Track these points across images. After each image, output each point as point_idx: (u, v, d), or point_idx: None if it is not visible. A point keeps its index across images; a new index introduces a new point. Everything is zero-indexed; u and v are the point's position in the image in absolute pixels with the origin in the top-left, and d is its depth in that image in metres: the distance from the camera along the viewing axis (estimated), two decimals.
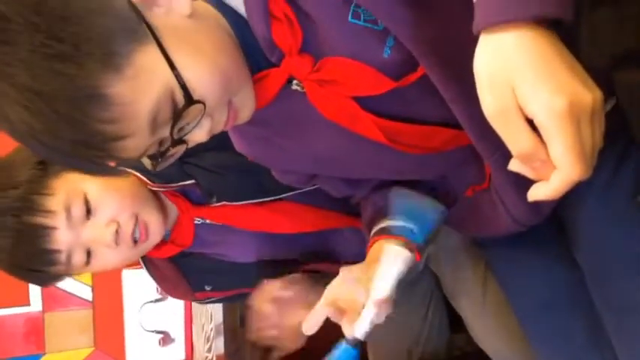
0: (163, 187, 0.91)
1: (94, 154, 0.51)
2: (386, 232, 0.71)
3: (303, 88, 0.61)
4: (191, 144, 0.57)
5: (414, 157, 0.65)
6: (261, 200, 0.91)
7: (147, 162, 0.57)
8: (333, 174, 0.77)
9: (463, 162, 0.69)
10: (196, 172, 0.89)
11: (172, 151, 0.56)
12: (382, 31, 0.55)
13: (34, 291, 1.73)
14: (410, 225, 0.73)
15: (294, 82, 0.61)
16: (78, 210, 0.82)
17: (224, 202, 0.92)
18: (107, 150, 0.50)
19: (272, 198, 0.91)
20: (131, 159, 0.53)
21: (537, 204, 0.67)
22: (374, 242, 0.72)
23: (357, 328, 0.62)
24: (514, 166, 0.46)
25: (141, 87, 0.50)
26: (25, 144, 0.51)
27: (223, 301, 1.08)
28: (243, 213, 0.92)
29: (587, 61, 0.44)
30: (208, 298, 1.03)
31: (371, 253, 0.71)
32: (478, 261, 0.96)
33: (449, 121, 0.59)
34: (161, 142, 0.55)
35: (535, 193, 0.45)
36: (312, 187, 0.83)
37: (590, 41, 0.46)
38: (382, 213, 0.75)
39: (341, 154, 0.68)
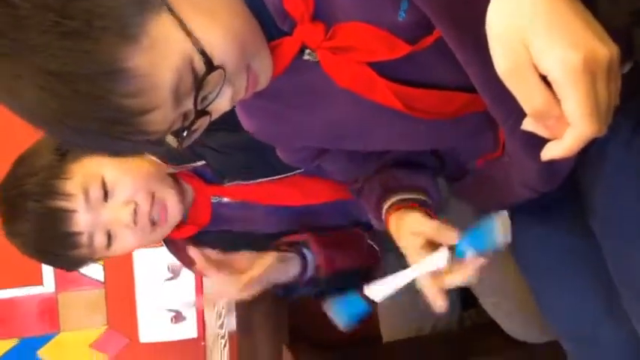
0: (176, 168, 0.92)
1: (123, 131, 0.50)
2: (405, 202, 0.71)
3: (315, 57, 0.60)
4: (215, 114, 0.57)
5: (429, 124, 0.64)
6: (271, 178, 0.92)
7: (172, 140, 0.56)
8: (343, 147, 0.76)
9: (477, 129, 0.68)
10: (206, 152, 0.91)
11: (197, 124, 0.55)
12: None
13: (47, 272, 1.75)
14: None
15: (306, 51, 0.60)
16: (96, 192, 0.85)
17: (237, 182, 0.93)
18: (133, 125, 0.50)
19: (282, 176, 0.92)
20: (158, 133, 0.53)
21: (552, 170, 0.67)
22: (391, 214, 0.72)
23: (375, 290, 0.62)
24: (527, 125, 0.45)
25: (159, 57, 0.49)
26: (51, 130, 0.51)
27: None
28: (256, 189, 0.93)
29: (606, 20, 0.43)
30: None
31: (394, 223, 0.71)
32: None
33: (465, 85, 0.58)
34: (185, 116, 0.55)
35: (548, 152, 0.45)
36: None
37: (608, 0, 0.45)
38: (394, 189, 0.75)
39: (354, 124, 0.67)
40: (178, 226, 0.95)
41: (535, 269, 0.81)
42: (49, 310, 1.77)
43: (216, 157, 0.91)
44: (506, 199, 0.73)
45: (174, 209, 0.90)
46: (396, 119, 0.63)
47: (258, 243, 0.98)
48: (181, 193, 0.93)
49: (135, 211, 0.85)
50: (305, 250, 0.93)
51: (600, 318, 0.72)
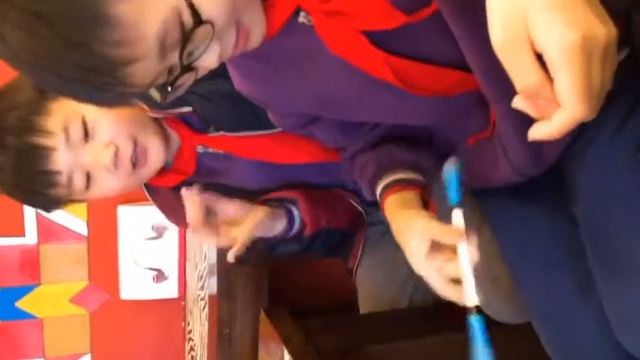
0: (161, 113, 0.90)
1: (102, 81, 0.49)
2: (401, 183, 0.71)
3: (310, 20, 0.59)
4: (201, 71, 0.55)
5: (420, 101, 0.64)
6: (258, 132, 0.91)
7: (155, 94, 0.55)
8: (332, 116, 0.76)
9: (469, 108, 0.68)
10: (193, 99, 0.89)
11: (182, 79, 0.54)
12: None
13: (30, 222, 1.74)
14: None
15: (302, 14, 0.59)
16: (76, 131, 0.83)
17: (222, 133, 0.92)
18: (116, 76, 0.49)
19: (269, 131, 0.91)
20: (141, 86, 0.52)
21: (540, 154, 0.67)
22: (389, 195, 0.72)
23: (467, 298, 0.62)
24: (517, 102, 0.45)
25: (147, 6, 0.48)
26: (32, 74, 0.50)
27: None
28: (242, 142, 0.92)
29: (607, 2, 0.42)
30: None
31: (390, 208, 0.71)
32: (473, 210, 0.96)
33: (459, 63, 0.58)
34: (170, 71, 0.53)
35: (535, 132, 0.44)
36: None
37: None
38: (388, 167, 0.74)
39: (344, 94, 0.66)
40: (162, 173, 0.94)
41: (514, 248, 0.82)
42: (30, 262, 1.76)
43: (203, 104, 0.89)
44: (493, 180, 0.73)
45: (156, 155, 0.89)
46: (386, 92, 0.62)
47: (244, 200, 0.98)
48: (166, 138, 0.92)
49: (116, 154, 0.85)
50: (292, 207, 0.93)
51: (574, 299, 0.73)
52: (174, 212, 1.01)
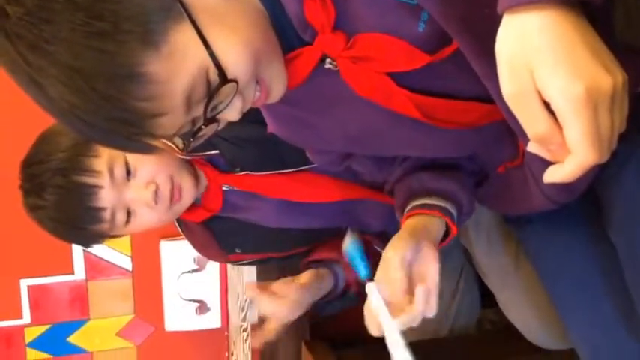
0: (190, 156, 0.94)
1: (131, 132, 0.52)
2: (422, 208, 0.72)
3: (336, 66, 0.61)
4: (222, 123, 0.58)
5: (448, 134, 0.65)
6: (282, 171, 0.95)
7: (179, 142, 0.58)
8: (365, 152, 0.77)
9: (497, 138, 0.69)
10: (220, 143, 0.94)
11: (204, 130, 0.57)
12: (416, 6, 0.55)
13: (78, 261, 1.81)
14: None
15: (328, 60, 0.61)
16: (120, 171, 0.89)
17: (247, 172, 0.96)
18: (143, 127, 0.52)
19: (293, 170, 0.94)
20: (165, 137, 0.55)
21: (569, 184, 0.67)
22: (409, 216, 0.73)
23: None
24: (532, 147, 0.46)
25: (176, 65, 0.51)
26: (65, 121, 0.53)
27: (255, 264, 1.13)
28: (266, 182, 0.95)
29: (622, 41, 0.43)
30: (241, 260, 1.10)
31: (408, 223, 0.72)
32: (510, 236, 0.96)
33: (483, 96, 0.59)
34: (194, 122, 0.56)
35: (549, 176, 0.45)
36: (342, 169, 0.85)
37: (625, 22, 0.45)
38: (417, 193, 0.75)
39: (374, 132, 0.68)
40: (192, 209, 0.99)
41: (553, 275, 0.81)
42: (80, 298, 1.82)
43: (229, 149, 0.93)
44: (526, 208, 0.73)
45: (189, 192, 0.94)
46: (414, 127, 0.64)
47: (269, 235, 1.01)
48: (196, 178, 0.97)
49: (156, 192, 0.90)
50: (336, 268, 0.98)
51: (616, 325, 0.72)
52: (203, 245, 1.08)
